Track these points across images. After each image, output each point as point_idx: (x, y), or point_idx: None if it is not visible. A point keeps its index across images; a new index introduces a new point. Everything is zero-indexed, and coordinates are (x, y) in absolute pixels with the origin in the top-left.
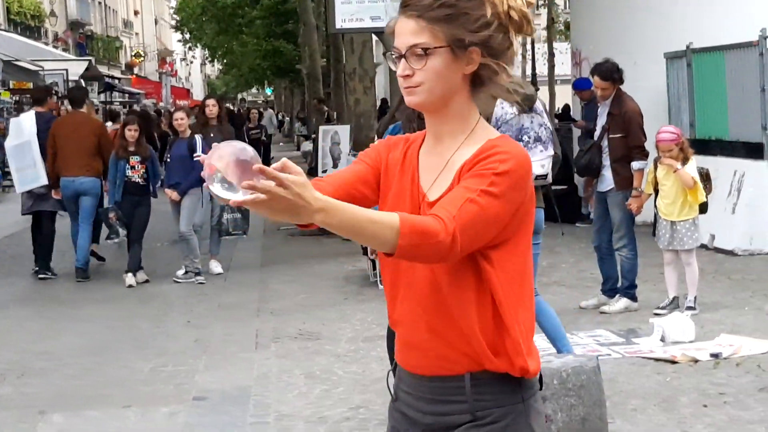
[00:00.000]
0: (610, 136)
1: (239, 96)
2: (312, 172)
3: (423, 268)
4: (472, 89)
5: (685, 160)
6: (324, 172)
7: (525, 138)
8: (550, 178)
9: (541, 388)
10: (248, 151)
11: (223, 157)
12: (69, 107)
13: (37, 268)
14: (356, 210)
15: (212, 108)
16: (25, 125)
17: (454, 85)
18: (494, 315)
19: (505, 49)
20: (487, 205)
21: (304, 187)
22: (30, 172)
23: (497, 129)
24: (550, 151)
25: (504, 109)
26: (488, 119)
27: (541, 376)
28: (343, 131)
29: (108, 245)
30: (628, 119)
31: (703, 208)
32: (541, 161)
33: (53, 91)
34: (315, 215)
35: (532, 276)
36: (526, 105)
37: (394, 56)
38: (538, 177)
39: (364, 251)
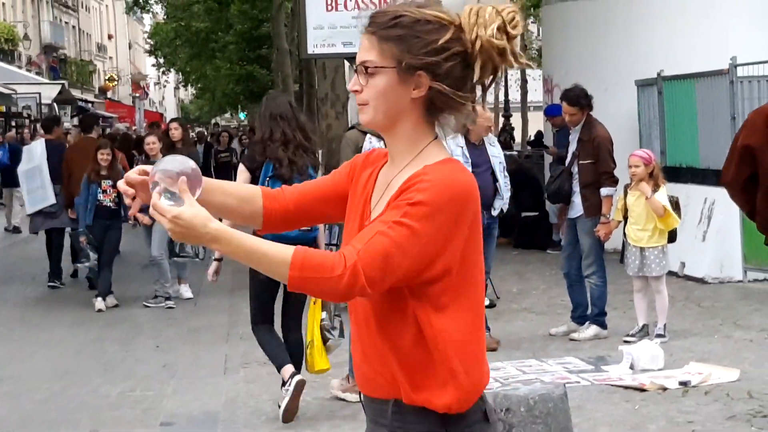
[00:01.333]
0: (580, 162)
1: (213, 120)
2: None
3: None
4: (426, 114)
5: (655, 187)
6: None
7: None
8: None
9: (487, 420)
10: (189, 164)
11: (165, 172)
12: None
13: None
14: (250, 242)
15: (174, 131)
16: (35, 151)
17: (401, 108)
18: (421, 349)
19: (463, 77)
20: (399, 237)
21: (192, 219)
22: (39, 193)
23: None
24: None
25: (371, 143)
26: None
27: (486, 408)
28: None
29: (80, 268)
30: (597, 145)
31: (672, 236)
32: None
33: (61, 120)
34: (210, 244)
35: (480, 307)
36: None
37: (354, 70)
38: None
39: None
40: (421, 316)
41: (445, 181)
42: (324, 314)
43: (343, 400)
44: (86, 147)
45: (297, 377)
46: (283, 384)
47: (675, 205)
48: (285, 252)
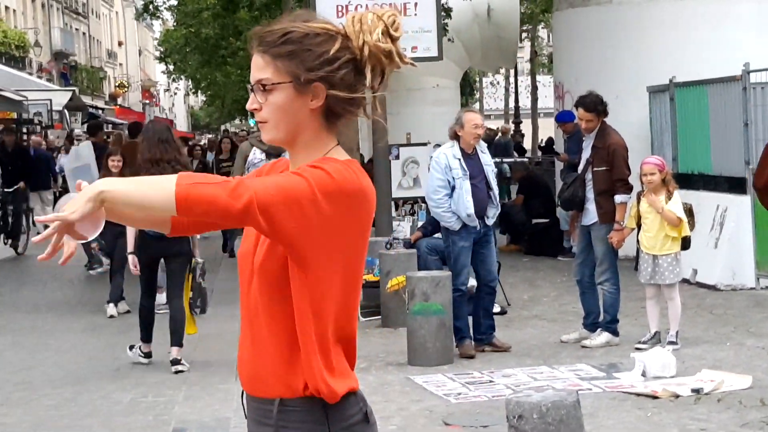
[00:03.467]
0: (594, 169)
1: (222, 127)
2: None
3: (254, 291)
4: (326, 123)
5: (668, 194)
6: None
7: None
8: None
9: (368, 420)
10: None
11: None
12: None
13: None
14: (135, 188)
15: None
16: (83, 152)
17: (301, 120)
18: (302, 342)
19: (356, 83)
20: (290, 179)
21: (73, 204)
22: None
23: (247, 171)
24: None
25: (255, 154)
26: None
27: (367, 410)
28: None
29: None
30: (612, 152)
31: (686, 243)
32: None
33: (103, 125)
34: (104, 200)
35: (354, 293)
36: (274, 152)
37: (250, 89)
38: None
39: None
40: (300, 308)
41: (346, 171)
42: (191, 294)
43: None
44: (132, 151)
45: (142, 359)
46: (132, 348)
47: (689, 212)
48: (168, 180)
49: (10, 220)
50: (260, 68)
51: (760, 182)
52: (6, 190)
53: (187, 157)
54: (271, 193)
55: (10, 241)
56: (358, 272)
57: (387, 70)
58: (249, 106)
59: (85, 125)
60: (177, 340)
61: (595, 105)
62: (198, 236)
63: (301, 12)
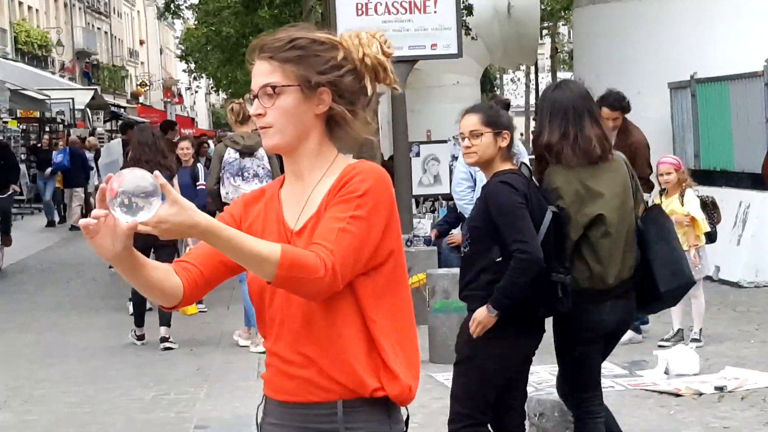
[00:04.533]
0: None
1: None
2: None
3: (297, 298)
4: (327, 130)
5: (681, 194)
6: None
7: (245, 174)
8: None
9: (406, 429)
10: (147, 178)
11: (122, 185)
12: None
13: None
14: (238, 237)
15: (186, 150)
16: (114, 148)
17: (306, 125)
18: (368, 341)
19: (357, 92)
20: (358, 231)
21: (175, 217)
22: None
23: (223, 170)
24: (265, 183)
25: (229, 154)
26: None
27: (407, 415)
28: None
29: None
30: (634, 150)
31: (712, 236)
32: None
33: (133, 125)
34: (201, 236)
35: (410, 300)
36: (247, 151)
37: (249, 97)
38: None
39: None
40: (369, 303)
41: (376, 171)
42: None
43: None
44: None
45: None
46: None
47: (712, 205)
48: (273, 248)
49: None
50: (266, 73)
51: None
52: None
53: (172, 161)
54: (350, 263)
55: None
56: (403, 257)
57: (375, 87)
58: (253, 111)
59: (107, 123)
60: (165, 320)
61: (619, 101)
62: None
63: (301, 25)
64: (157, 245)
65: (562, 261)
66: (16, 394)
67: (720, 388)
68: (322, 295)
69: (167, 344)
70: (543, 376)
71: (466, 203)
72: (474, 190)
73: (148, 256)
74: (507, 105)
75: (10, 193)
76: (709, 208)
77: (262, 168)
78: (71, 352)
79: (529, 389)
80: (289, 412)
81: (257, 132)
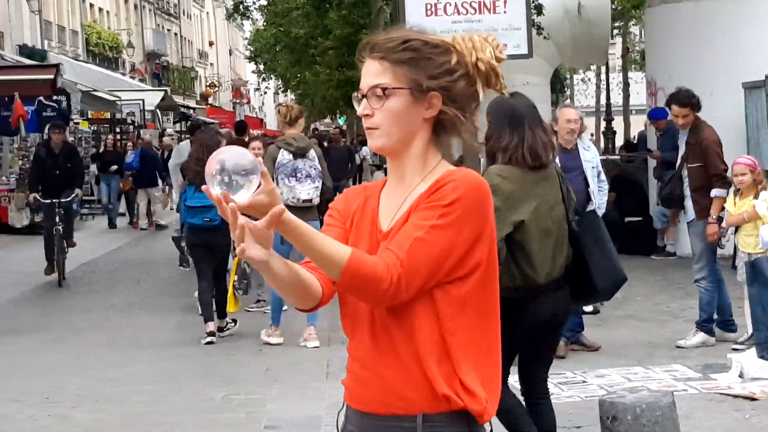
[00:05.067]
0: (689, 165)
1: (311, 126)
2: None
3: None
4: (434, 135)
5: (755, 195)
6: None
7: (298, 175)
8: (315, 202)
9: None
10: (247, 156)
11: (221, 162)
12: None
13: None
14: (312, 234)
15: (257, 150)
16: (184, 149)
17: (414, 128)
18: (443, 352)
19: (468, 98)
20: (437, 240)
21: (278, 198)
22: None
23: (277, 171)
24: (317, 184)
25: (283, 156)
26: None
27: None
28: None
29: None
30: (705, 148)
31: None
32: (308, 190)
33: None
34: (281, 225)
35: (496, 314)
36: (300, 152)
37: (358, 97)
38: (304, 201)
39: None
40: (448, 314)
41: (473, 180)
42: (236, 277)
43: (268, 343)
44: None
45: (208, 337)
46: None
47: None
48: (342, 253)
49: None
50: (377, 74)
51: None
52: (51, 201)
53: None
54: (421, 274)
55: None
56: (497, 258)
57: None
58: (360, 111)
59: (176, 124)
60: (220, 313)
61: (688, 99)
62: None
63: (413, 26)
64: (214, 245)
65: None
66: (89, 392)
67: None
68: (384, 304)
69: (222, 332)
70: (615, 379)
71: None
72: None
73: (202, 258)
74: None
75: (74, 195)
76: None
77: (314, 169)
78: (142, 352)
79: (600, 392)
80: (369, 423)
81: (304, 133)
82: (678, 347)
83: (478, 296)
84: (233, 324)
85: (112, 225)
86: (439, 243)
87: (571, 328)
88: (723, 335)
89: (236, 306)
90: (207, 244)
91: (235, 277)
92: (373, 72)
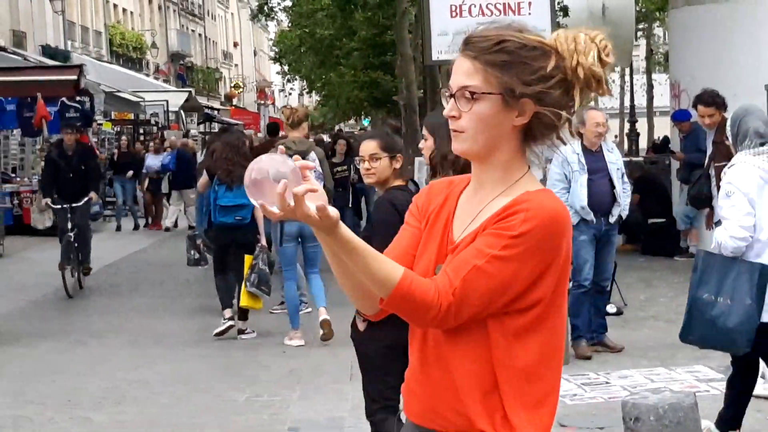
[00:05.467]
0: (716, 164)
1: (336, 127)
2: None
3: None
4: (523, 144)
5: None
6: None
7: None
8: None
9: None
10: (288, 164)
11: (261, 171)
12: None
13: None
14: (366, 254)
15: (342, 146)
16: None
17: (502, 136)
18: (491, 381)
19: (562, 106)
20: (497, 272)
21: (335, 220)
22: None
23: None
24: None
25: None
26: None
27: None
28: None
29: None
30: (728, 146)
31: None
32: None
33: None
34: (334, 238)
35: (561, 351)
36: (299, 155)
37: (447, 94)
38: None
39: None
40: (500, 343)
41: (547, 211)
42: (249, 271)
43: (290, 345)
44: (267, 148)
45: (228, 322)
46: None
47: None
48: (393, 275)
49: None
50: (468, 74)
51: None
52: (62, 206)
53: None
54: (474, 305)
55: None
56: (565, 297)
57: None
58: (447, 112)
59: (201, 125)
60: (243, 314)
61: (713, 98)
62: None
63: (514, 21)
64: (237, 243)
65: None
66: (111, 394)
67: None
68: (429, 327)
69: (244, 336)
70: (638, 380)
71: None
72: (569, 192)
73: (226, 255)
74: (397, 129)
75: (86, 200)
76: None
77: (315, 172)
78: (165, 354)
79: (623, 393)
80: (413, 430)
81: (306, 136)
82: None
83: (539, 329)
84: (252, 333)
85: (135, 227)
86: (499, 275)
87: (595, 329)
88: None
89: (255, 303)
90: (236, 242)
91: (247, 272)
92: (463, 71)
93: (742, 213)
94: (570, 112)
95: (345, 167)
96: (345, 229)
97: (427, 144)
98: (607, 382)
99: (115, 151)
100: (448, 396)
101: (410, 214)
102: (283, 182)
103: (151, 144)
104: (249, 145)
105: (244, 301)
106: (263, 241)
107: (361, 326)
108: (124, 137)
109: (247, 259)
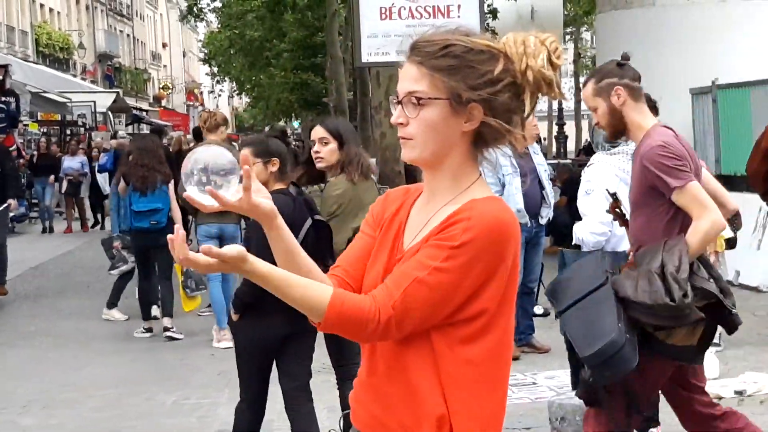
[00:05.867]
0: None
1: (266, 129)
2: None
3: None
4: (473, 148)
5: None
6: None
7: None
8: None
9: None
10: (226, 156)
11: (199, 161)
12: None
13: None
14: (289, 284)
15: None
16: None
17: (451, 142)
18: (441, 394)
19: (514, 110)
20: (438, 284)
21: (238, 259)
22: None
23: None
24: None
25: None
26: None
27: None
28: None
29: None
30: None
31: (732, 243)
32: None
33: (162, 131)
34: (247, 275)
35: (508, 359)
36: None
37: (394, 101)
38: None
39: None
40: (445, 353)
41: (488, 219)
42: (182, 277)
43: (218, 348)
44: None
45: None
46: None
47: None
48: (321, 299)
49: None
50: (414, 80)
51: (751, 170)
52: None
53: (167, 167)
54: (415, 317)
55: None
56: (512, 306)
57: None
58: (394, 120)
59: (129, 126)
60: (168, 311)
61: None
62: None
63: (462, 25)
64: (156, 246)
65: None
66: (40, 398)
67: (740, 392)
68: (372, 341)
69: (170, 333)
70: (564, 380)
71: None
72: (502, 195)
73: (147, 260)
74: (284, 132)
75: (4, 207)
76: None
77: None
78: (94, 357)
79: (549, 393)
80: None
81: (225, 140)
82: None
83: (485, 339)
84: (181, 336)
85: (45, 230)
86: (440, 287)
87: (522, 330)
88: None
89: (193, 305)
90: (154, 245)
91: (182, 278)
92: (410, 77)
93: (601, 209)
94: (523, 117)
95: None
96: (255, 264)
97: (329, 147)
98: (534, 383)
99: (35, 153)
100: (393, 407)
101: (366, 223)
102: (194, 193)
103: (69, 146)
104: (178, 147)
105: (187, 306)
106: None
107: (234, 317)
108: (42, 139)
109: (177, 266)
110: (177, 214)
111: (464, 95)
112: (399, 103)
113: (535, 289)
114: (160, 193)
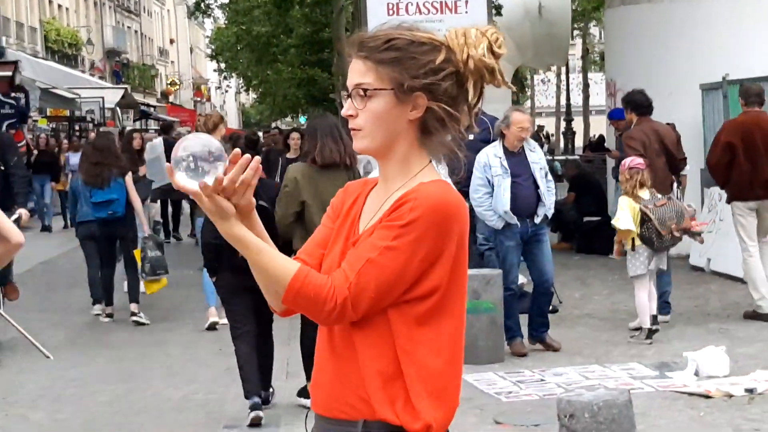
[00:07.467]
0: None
1: (273, 124)
2: None
3: None
4: (420, 136)
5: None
6: None
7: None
8: None
9: None
10: (214, 143)
11: (188, 148)
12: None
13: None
14: (261, 251)
15: (296, 141)
16: (157, 147)
17: (398, 131)
18: (394, 369)
19: (457, 97)
20: (389, 263)
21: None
22: (159, 176)
23: None
24: None
25: None
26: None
27: None
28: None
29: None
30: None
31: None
32: None
33: (171, 126)
34: (229, 239)
35: (461, 337)
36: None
37: (345, 95)
38: None
39: None
40: (402, 331)
41: (433, 199)
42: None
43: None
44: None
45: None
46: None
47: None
48: (287, 271)
49: None
50: (360, 73)
51: (712, 162)
52: None
53: (124, 161)
54: (370, 297)
55: None
56: (463, 286)
57: (484, 89)
58: (344, 112)
59: (137, 122)
60: (133, 297)
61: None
62: (143, 214)
63: (405, 21)
64: (118, 236)
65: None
66: (48, 393)
67: (750, 390)
68: (329, 324)
69: (136, 318)
70: (573, 377)
71: (484, 209)
72: (491, 196)
73: (114, 247)
74: (253, 141)
75: (15, 218)
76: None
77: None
78: (102, 351)
79: (558, 390)
80: (322, 426)
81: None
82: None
83: (439, 317)
84: (147, 321)
85: (45, 229)
86: (391, 266)
87: (536, 327)
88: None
89: (158, 285)
90: (113, 235)
91: (140, 264)
92: (357, 71)
93: None
94: (471, 105)
95: None
96: (239, 226)
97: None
98: (542, 380)
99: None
100: (352, 383)
101: (326, 215)
102: (182, 177)
103: (70, 142)
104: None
105: (149, 289)
106: (146, 230)
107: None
108: (43, 135)
109: (137, 253)
110: (137, 204)
111: (407, 84)
112: (348, 96)
113: (552, 289)
114: (115, 185)
